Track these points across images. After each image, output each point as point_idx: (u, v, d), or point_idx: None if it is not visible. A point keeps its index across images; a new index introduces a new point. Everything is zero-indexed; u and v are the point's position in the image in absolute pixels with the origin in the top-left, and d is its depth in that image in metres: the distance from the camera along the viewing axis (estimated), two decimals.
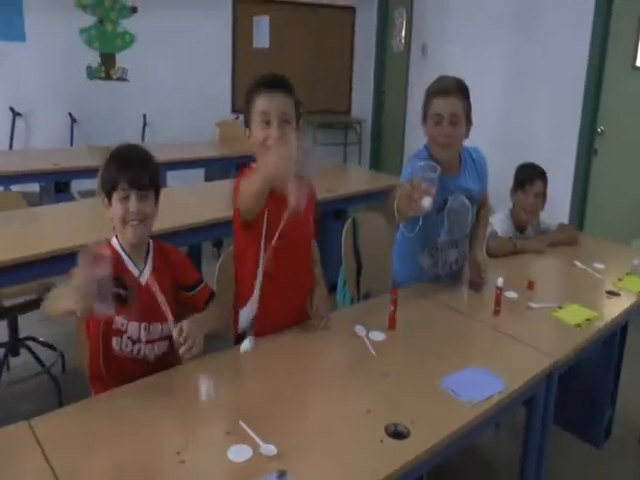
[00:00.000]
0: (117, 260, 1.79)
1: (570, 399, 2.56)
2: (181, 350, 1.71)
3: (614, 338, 2.46)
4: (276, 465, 1.34)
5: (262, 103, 1.86)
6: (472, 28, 5.48)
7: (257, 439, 1.42)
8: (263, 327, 1.99)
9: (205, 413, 1.58)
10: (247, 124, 1.93)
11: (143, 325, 1.84)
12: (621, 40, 4.47)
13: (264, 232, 1.89)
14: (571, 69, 4.71)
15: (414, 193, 1.82)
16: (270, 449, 1.39)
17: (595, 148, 4.72)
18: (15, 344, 3.24)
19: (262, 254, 1.91)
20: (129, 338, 1.83)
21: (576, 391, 2.59)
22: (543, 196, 2.92)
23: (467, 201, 2.44)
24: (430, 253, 2.46)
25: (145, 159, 1.85)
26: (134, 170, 1.78)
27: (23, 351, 3.27)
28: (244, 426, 1.47)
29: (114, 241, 1.85)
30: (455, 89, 2.26)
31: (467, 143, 2.43)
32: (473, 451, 2.85)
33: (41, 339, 3.41)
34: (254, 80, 1.93)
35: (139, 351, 1.86)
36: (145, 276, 1.85)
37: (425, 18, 6.35)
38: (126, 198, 1.77)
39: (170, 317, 1.80)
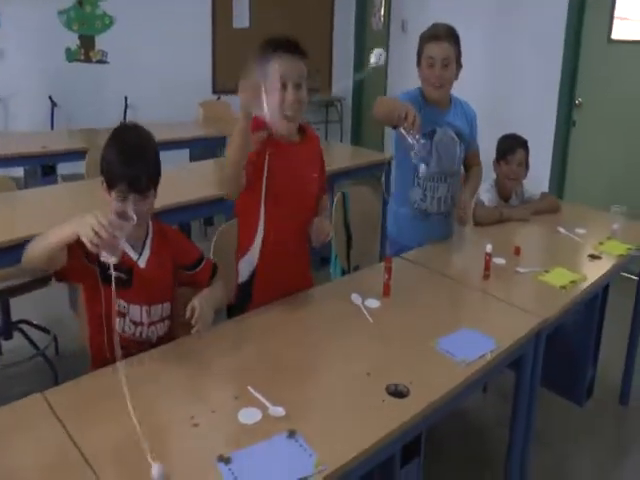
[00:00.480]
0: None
1: (554, 361, 2.66)
2: (194, 330, 1.71)
3: (596, 300, 2.56)
4: (285, 425, 1.42)
5: (279, 67, 1.91)
6: (451, 4, 5.53)
7: (265, 402, 1.49)
8: (264, 279, 2.07)
9: (213, 381, 1.65)
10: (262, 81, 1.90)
11: (144, 308, 1.86)
12: (597, 13, 4.55)
13: (264, 182, 1.96)
14: (549, 42, 4.79)
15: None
16: (279, 411, 1.46)
17: (574, 119, 4.81)
18: (8, 327, 3.25)
19: (263, 204, 1.99)
20: (131, 320, 1.85)
21: (560, 353, 2.70)
22: (525, 164, 3.00)
23: (455, 136, 2.56)
24: (420, 184, 2.58)
25: (147, 153, 1.80)
26: (134, 170, 1.73)
27: (16, 334, 3.28)
28: (252, 391, 1.53)
29: None
30: (447, 35, 2.43)
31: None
32: (463, 415, 2.96)
33: (35, 322, 3.43)
34: (270, 39, 1.97)
35: (141, 333, 1.88)
36: (144, 259, 1.85)
37: None
38: (124, 198, 1.73)
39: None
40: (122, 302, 1.82)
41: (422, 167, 2.36)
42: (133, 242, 1.81)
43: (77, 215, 1.56)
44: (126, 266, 1.78)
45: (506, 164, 2.97)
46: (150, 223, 1.90)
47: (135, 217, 1.70)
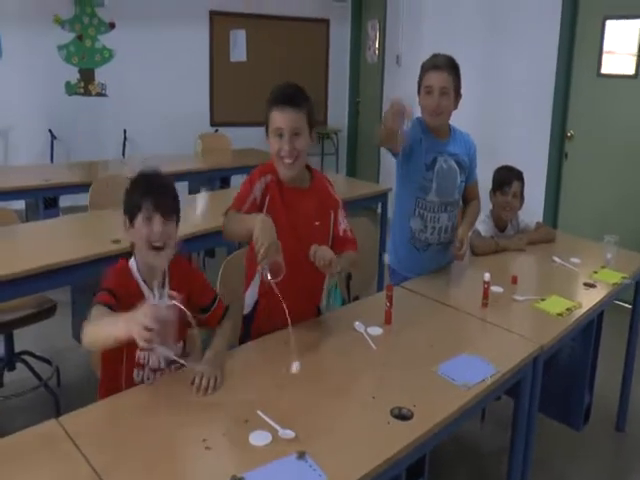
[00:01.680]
0: (134, 284, 1.85)
1: (551, 387, 2.71)
2: (200, 393, 1.70)
3: (591, 327, 2.62)
4: (295, 447, 1.46)
5: (276, 118, 2.04)
6: (445, 38, 5.69)
7: (275, 425, 1.54)
8: (262, 315, 2.16)
9: (224, 405, 1.69)
10: (267, 133, 2.10)
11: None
12: (586, 48, 4.70)
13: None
14: (540, 77, 4.93)
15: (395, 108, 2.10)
16: (288, 433, 1.51)
17: (565, 152, 4.93)
18: (11, 359, 3.27)
19: None
20: (150, 369, 1.89)
21: (557, 379, 2.75)
22: (521, 196, 3.08)
23: (455, 165, 2.63)
24: (420, 214, 2.64)
25: (168, 186, 1.90)
26: (159, 195, 1.82)
27: (18, 366, 3.29)
28: (262, 415, 1.58)
29: (132, 263, 1.88)
30: (446, 65, 2.52)
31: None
32: (464, 442, 3.00)
33: (37, 353, 3.44)
34: (272, 92, 2.08)
35: (160, 374, 1.90)
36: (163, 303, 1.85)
37: (398, 29, 6.54)
38: (150, 219, 1.80)
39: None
40: (141, 354, 1.85)
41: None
42: (151, 283, 1.82)
43: (127, 315, 1.58)
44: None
45: (502, 195, 3.04)
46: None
47: (160, 235, 1.79)
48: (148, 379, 1.88)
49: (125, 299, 1.75)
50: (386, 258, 2.81)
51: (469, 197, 2.82)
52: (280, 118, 2.03)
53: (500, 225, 3.10)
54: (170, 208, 1.85)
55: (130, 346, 1.72)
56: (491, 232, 3.04)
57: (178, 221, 1.90)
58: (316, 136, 2.15)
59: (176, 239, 1.89)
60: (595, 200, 4.75)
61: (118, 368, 1.86)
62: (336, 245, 2.23)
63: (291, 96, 2.05)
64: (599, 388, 2.99)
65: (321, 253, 1.96)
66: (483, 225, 3.00)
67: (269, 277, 1.85)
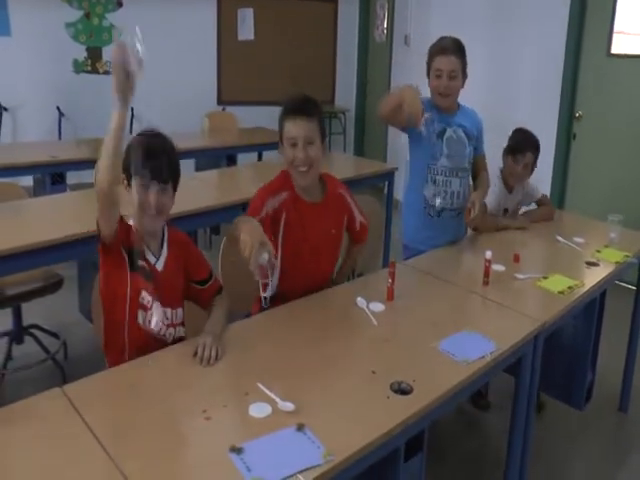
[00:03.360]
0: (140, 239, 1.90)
1: (554, 366, 2.73)
2: (203, 364, 1.74)
3: (593, 306, 2.62)
4: (294, 420, 1.48)
5: (289, 129, 2.12)
6: (453, 18, 5.64)
7: (275, 397, 1.56)
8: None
9: (224, 377, 1.72)
10: (280, 141, 2.21)
11: (166, 308, 1.94)
12: (596, 28, 4.64)
13: (280, 240, 2.22)
14: (549, 57, 4.88)
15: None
16: (288, 406, 1.53)
17: (574, 132, 4.90)
18: (20, 332, 3.32)
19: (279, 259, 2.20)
20: (153, 315, 1.92)
21: (559, 358, 2.76)
22: (532, 166, 3.05)
23: (463, 135, 2.73)
24: (432, 179, 2.73)
25: (168, 151, 1.91)
26: (156, 162, 1.84)
27: (27, 339, 3.35)
28: (262, 387, 1.60)
29: (132, 223, 1.92)
30: (454, 48, 2.62)
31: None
32: (463, 420, 3.03)
33: (45, 327, 3.49)
34: (285, 103, 2.17)
35: (160, 330, 1.94)
36: (162, 263, 1.94)
37: (407, 9, 6.48)
38: (146, 187, 1.84)
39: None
40: (147, 296, 1.90)
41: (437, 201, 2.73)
42: (151, 244, 1.93)
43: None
44: (149, 266, 1.90)
45: (514, 161, 3.01)
46: (166, 229, 1.99)
47: (154, 206, 1.84)
48: (150, 323, 1.92)
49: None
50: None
51: (477, 169, 2.88)
52: (293, 128, 2.12)
53: (508, 185, 3.09)
54: (168, 176, 1.88)
55: (134, 288, 1.86)
56: (501, 192, 3.04)
57: (176, 184, 1.94)
58: (327, 146, 2.26)
59: (170, 207, 1.93)
60: (602, 181, 4.73)
61: (123, 314, 1.90)
62: (355, 240, 2.49)
63: (302, 106, 2.14)
64: (602, 369, 3.00)
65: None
66: (493, 188, 2.98)
67: (259, 278, 1.93)
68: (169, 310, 1.95)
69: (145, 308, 1.91)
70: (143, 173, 1.83)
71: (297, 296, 2.19)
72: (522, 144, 3.03)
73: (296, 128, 2.11)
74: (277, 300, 2.16)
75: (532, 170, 3.07)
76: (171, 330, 1.97)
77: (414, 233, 2.83)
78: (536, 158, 3.06)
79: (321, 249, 2.30)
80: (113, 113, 1.67)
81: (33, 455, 1.38)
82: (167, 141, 1.94)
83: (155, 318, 1.91)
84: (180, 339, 2.01)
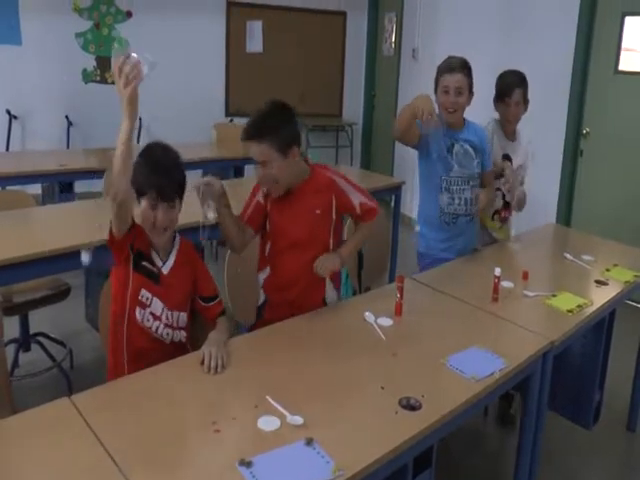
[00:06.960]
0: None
1: (562, 385, 2.72)
2: (211, 373, 1.77)
3: (602, 326, 2.61)
4: (303, 434, 1.48)
5: (248, 151, 2.15)
6: (461, 32, 5.66)
7: (284, 411, 1.56)
8: (272, 303, 2.31)
9: (234, 390, 1.72)
10: None
11: (166, 309, 1.97)
12: (604, 45, 4.65)
13: (267, 225, 2.28)
14: (557, 73, 4.89)
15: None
16: (297, 419, 1.53)
17: (581, 149, 4.90)
18: (27, 340, 3.33)
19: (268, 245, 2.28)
20: (151, 313, 1.95)
21: (567, 376, 2.75)
22: (524, 102, 3.04)
23: (471, 149, 2.82)
24: (447, 189, 2.81)
25: (174, 167, 1.95)
26: (163, 180, 1.88)
27: (33, 347, 3.35)
28: (271, 400, 1.60)
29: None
30: (460, 67, 2.72)
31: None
32: (471, 436, 3.01)
33: (52, 335, 3.50)
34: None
35: (157, 329, 1.97)
36: (168, 267, 1.98)
37: (415, 23, 6.50)
38: (153, 206, 1.88)
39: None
40: (147, 293, 1.93)
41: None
42: (159, 249, 1.98)
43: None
44: (155, 267, 1.95)
45: (505, 105, 3.02)
46: (177, 237, 2.03)
47: (161, 225, 1.90)
48: (148, 322, 1.95)
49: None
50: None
51: (485, 184, 2.92)
52: (250, 151, 2.13)
53: (508, 133, 3.11)
54: (175, 194, 1.93)
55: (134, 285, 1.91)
56: (501, 139, 3.07)
57: (182, 196, 1.97)
58: (300, 152, 2.22)
59: (177, 218, 1.97)
60: (609, 198, 4.72)
61: (121, 302, 1.94)
62: (359, 220, 2.42)
63: (250, 130, 2.12)
64: (611, 388, 2.98)
65: (320, 269, 2.21)
66: (492, 133, 3.03)
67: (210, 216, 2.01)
68: (169, 311, 1.98)
69: (144, 305, 1.94)
70: (150, 194, 1.88)
71: (291, 278, 2.25)
72: (507, 84, 3.02)
73: (251, 152, 2.13)
74: (272, 286, 2.27)
75: (526, 105, 3.07)
76: (168, 330, 2.00)
77: (430, 241, 2.90)
78: (525, 92, 3.04)
79: (307, 228, 2.24)
80: (121, 124, 1.70)
81: (41, 464, 1.38)
82: (173, 156, 1.97)
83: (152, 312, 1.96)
84: (180, 343, 2.03)
